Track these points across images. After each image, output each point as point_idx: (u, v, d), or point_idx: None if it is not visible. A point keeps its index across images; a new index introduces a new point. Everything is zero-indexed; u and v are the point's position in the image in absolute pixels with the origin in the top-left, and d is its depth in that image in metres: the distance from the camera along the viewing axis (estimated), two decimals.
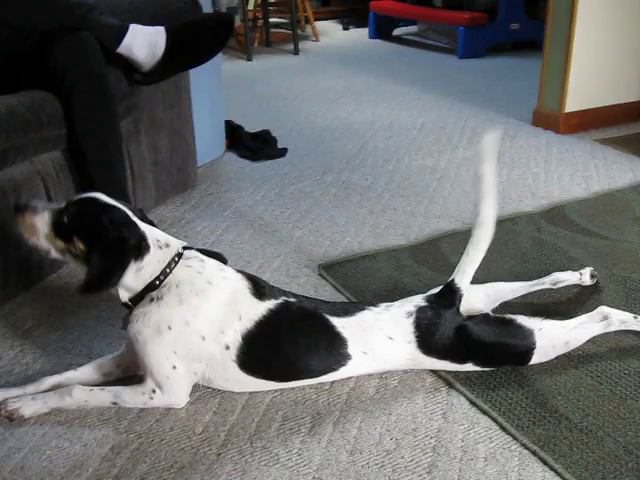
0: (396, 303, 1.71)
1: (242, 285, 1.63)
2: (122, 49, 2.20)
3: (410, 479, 1.39)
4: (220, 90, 3.21)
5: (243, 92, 4.55)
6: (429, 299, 1.69)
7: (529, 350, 1.66)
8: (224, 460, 1.46)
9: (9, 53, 2.15)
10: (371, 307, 1.68)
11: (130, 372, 1.68)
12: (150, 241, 1.55)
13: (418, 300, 1.70)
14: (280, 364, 1.63)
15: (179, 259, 1.58)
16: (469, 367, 1.68)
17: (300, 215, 2.63)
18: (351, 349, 1.62)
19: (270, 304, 1.62)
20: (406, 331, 1.63)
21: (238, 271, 1.67)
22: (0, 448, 1.50)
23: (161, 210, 2.67)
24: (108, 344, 1.83)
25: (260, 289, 1.64)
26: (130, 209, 1.58)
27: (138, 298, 1.57)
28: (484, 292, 1.83)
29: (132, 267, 1.52)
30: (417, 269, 2.17)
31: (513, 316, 1.69)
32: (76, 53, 2.04)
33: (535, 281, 1.99)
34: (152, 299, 1.55)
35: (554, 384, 1.64)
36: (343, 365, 1.63)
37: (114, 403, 1.59)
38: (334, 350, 1.62)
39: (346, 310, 1.67)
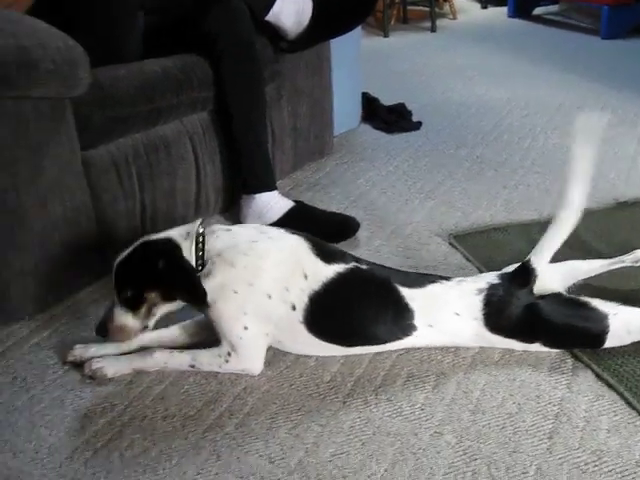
0: (469, 279, 1.71)
1: (300, 244, 1.65)
2: (271, 17, 2.29)
3: (531, 442, 1.42)
4: (358, 63, 3.26)
5: (379, 67, 4.58)
6: (503, 277, 1.68)
7: (602, 334, 1.61)
8: (349, 409, 1.53)
9: (163, 20, 2.28)
10: (443, 281, 1.68)
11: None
12: (177, 239, 1.59)
13: (492, 277, 1.69)
14: (346, 328, 1.66)
15: (203, 238, 1.60)
16: (537, 347, 1.66)
17: (433, 186, 2.67)
18: (417, 321, 1.63)
19: (339, 267, 1.64)
20: (474, 308, 1.63)
21: (294, 232, 1.69)
22: (143, 380, 1.63)
23: (297, 175, 2.77)
24: None
25: (327, 252, 1.66)
26: (146, 237, 1.61)
27: None
28: (559, 271, 1.77)
29: None
30: None
31: (588, 298, 1.64)
32: (228, 20, 2.14)
33: (615, 259, 1.92)
34: (204, 279, 1.57)
35: None
36: (408, 335, 1.65)
37: (192, 366, 1.63)
38: (401, 320, 1.64)
39: (417, 281, 1.67)
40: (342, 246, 2.14)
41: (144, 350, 1.67)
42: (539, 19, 6.35)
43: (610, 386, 1.56)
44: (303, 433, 1.46)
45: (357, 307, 1.65)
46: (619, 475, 1.33)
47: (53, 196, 1.80)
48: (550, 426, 1.46)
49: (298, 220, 2.24)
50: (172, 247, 1.58)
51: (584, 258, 1.97)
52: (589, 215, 2.31)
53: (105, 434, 1.48)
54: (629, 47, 5.11)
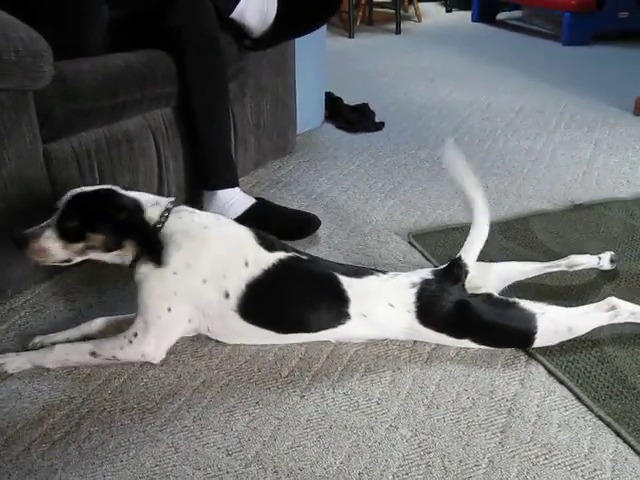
0: (404, 273, 1.74)
1: (246, 234, 1.70)
2: (235, 14, 2.31)
3: (484, 436, 1.45)
4: (322, 62, 3.29)
5: (343, 67, 4.62)
6: (436, 273, 1.72)
7: (530, 333, 1.65)
8: (307, 402, 1.55)
9: (128, 15, 2.28)
10: (380, 274, 1.72)
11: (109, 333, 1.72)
12: (143, 203, 1.63)
13: (425, 273, 1.72)
14: (282, 314, 1.69)
15: (169, 213, 1.64)
16: (466, 343, 1.69)
17: (393, 186, 2.70)
18: (352, 309, 1.66)
19: (281, 255, 1.68)
20: (407, 300, 1.66)
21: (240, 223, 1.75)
22: (102, 372, 1.63)
23: (260, 172, 2.79)
24: None
25: (269, 241, 1.71)
26: (112, 186, 1.66)
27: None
28: (494, 271, 1.83)
29: None
30: (505, 244, 2.21)
31: (517, 299, 1.68)
32: (192, 14, 2.15)
33: (550, 263, 1.95)
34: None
35: (635, 363, 1.65)
36: (342, 324, 1.67)
37: (92, 353, 1.62)
38: (336, 307, 1.66)
39: (356, 272, 1.71)
40: (302, 243, 2.19)
41: (46, 347, 1.67)
42: (502, 24, 6.46)
43: (561, 382, 1.60)
44: (261, 426, 1.48)
45: (295, 293, 1.68)
46: (568, 468, 1.37)
47: (13, 188, 1.79)
48: (503, 420, 1.49)
49: (259, 217, 2.25)
50: (137, 207, 1.62)
51: (540, 257, 2.03)
52: (545, 216, 2.40)
53: (63, 427, 1.48)
54: (590, 54, 5.22)
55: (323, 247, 2.21)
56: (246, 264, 1.63)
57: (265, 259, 1.66)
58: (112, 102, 2.04)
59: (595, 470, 1.37)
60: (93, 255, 1.64)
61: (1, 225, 1.79)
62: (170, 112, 2.28)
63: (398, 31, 6.04)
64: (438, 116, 3.61)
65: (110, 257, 1.65)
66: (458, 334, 1.68)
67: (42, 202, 1.87)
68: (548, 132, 3.36)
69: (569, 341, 1.70)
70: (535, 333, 1.65)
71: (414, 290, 1.67)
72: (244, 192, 2.34)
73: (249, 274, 1.63)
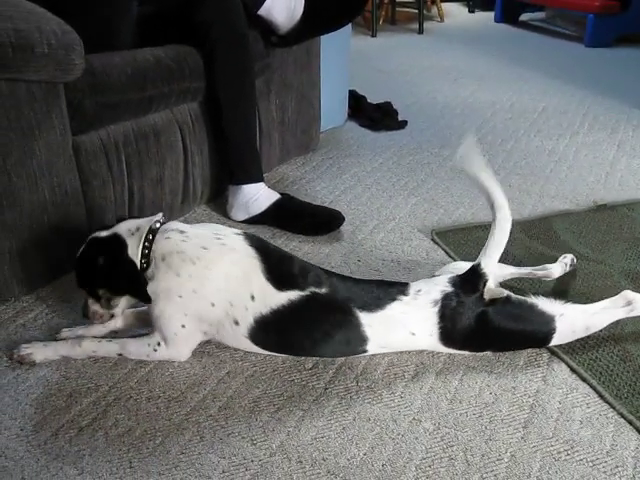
0: (424, 287, 1.66)
1: (252, 261, 1.61)
2: (262, 11, 2.32)
3: (506, 431, 1.46)
4: (346, 60, 3.29)
5: (366, 66, 4.63)
6: (454, 283, 1.66)
7: (549, 334, 1.66)
8: (330, 395, 1.56)
9: (157, 10, 2.31)
10: (402, 296, 1.64)
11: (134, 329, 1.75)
12: (124, 235, 1.59)
13: (445, 284, 1.66)
14: (295, 347, 1.66)
15: (154, 235, 1.60)
16: (487, 353, 1.69)
17: (416, 184, 2.71)
18: (370, 345, 1.64)
19: (293, 295, 1.59)
20: (430, 323, 1.62)
21: (246, 237, 1.66)
22: (128, 361, 1.66)
23: (283, 169, 2.81)
24: None
25: (281, 275, 1.61)
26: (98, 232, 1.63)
27: None
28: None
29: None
30: (528, 243, 2.21)
31: (535, 300, 1.65)
32: (222, 10, 2.17)
33: (527, 270, 1.95)
34: (148, 280, 1.59)
35: None
36: (356, 354, 1.66)
37: (119, 354, 1.65)
38: (352, 344, 1.64)
39: (378, 299, 1.62)
40: (326, 239, 2.20)
41: (73, 339, 1.69)
42: (525, 25, 6.44)
43: (584, 379, 1.61)
44: (285, 417, 1.49)
45: (306, 334, 1.63)
46: (590, 464, 1.38)
47: (43, 179, 1.82)
48: (525, 416, 1.50)
49: (284, 212, 2.27)
50: (115, 245, 1.59)
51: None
52: (568, 216, 2.40)
53: (90, 413, 1.50)
54: (613, 56, 5.20)
55: (347, 243, 2.23)
56: (252, 298, 1.59)
57: (274, 298, 1.59)
58: (140, 96, 2.06)
59: (617, 467, 1.37)
60: (121, 302, 1.65)
61: (31, 215, 1.82)
62: (197, 107, 2.30)
63: (421, 31, 6.04)
64: (461, 116, 3.62)
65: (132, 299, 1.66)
66: (479, 348, 1.68)
67: (71, 194, 1.90)
68: (571, 133, 3.35)
69: (591, 339, 1.71)
70: (553, 334, 1.66)
71: (435, 310, 1.62)
72: (268, 187, 2.36)
73: (255, 309, 1.59)
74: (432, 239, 2.25)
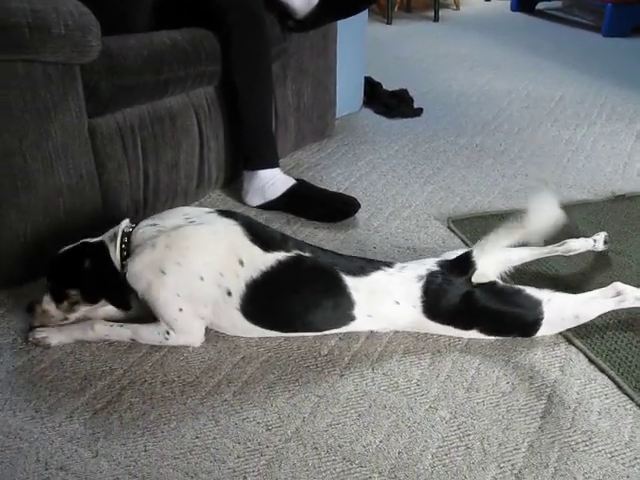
0: (410, 264, 1.70)
1: (232, 228, 1.62)
2: None
3: (523, 421, 1.44)
4: (362, 47, 3.27)
5: (382, 53, 4.60)
6: (442, 264, 1.67)
7: (537, 321, 1.64)
8: (346, 381, 1.55)
9: None
10: (386, 267, 1.67)
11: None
12: (107, 242, 1.61)
13: (431, 264, 1.68)
14: (285, 318, 1.65)
15: (129, 237, 1.61)
16: (473, 334, 1.67)
17: (432, 172, 2.69)
18: (357, 311, 1.63)
19: (280, 255, 1.61)
20: (413, 295, 1.63)
21: (227, 216, 1.66)
22: (143, 345, 1.65)
23: (299, 155, 2.80)
24: None
25: (265, 238, 1.63)
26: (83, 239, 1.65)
27: None
28: (493, 260, 1.75)
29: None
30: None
31: (522, 286, 1.66)
32: None
33: (548, 248, 1.91)
34: (128, 268, 1.58)
35: None
36: (347, 325, 1.65)
37: (132, 339, 1.65)
38: (341, 310, 1.63)
39: (362, 268, 1.65)
40: (341, 226, 2.19)
41: (86, 322, 1.67)
42: (541, 14, 6.38)
43: (602, 370, 1.59)
44: (300, 403, 1.48)
45: (298, 296, 1.62)
46: (609, 455, 1.36)
47: (59, 162, 1.81)
48: (542, 406, 1.49)
49: (299, 198, 2.26)
50: (99, 250, 1.61)
51: None
52: (586, 206, 2.38)
53: (104, 396, 1.50)
54: (630, 46, 5.14)
55: (362, 230, 2.21)
56: (241, 263, 1.58)
57: (262, 260, 1.59)
58: (156, 79, 2.05)
59: (636, 458, 1.36)
60: (83, 309, 1.66)
61: (46, 198, 1.81)
62: (213, 91, 2.29)
63: (436, 18, 5.99)
64: (477, 104, 3.58)
65: (99, 306, 1.67)
66: (465, 325, 1.66)
67: (86, 177, 1.89)
68: (588, 123, 3.32)
69: (610, 329, 1.70)
70: (541, 320, 1.64)
71: (420, 284, 1.63)
72: (284, 173, 2.34)
73: (246, 274, 1.58)
74: (448, 227, 2.23)
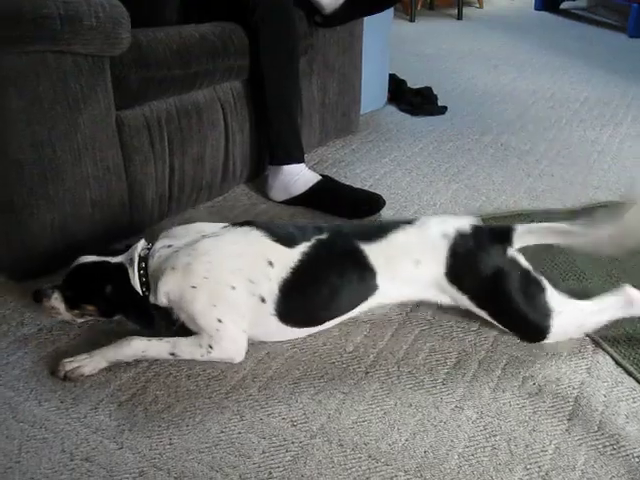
0: (435, 219, 1.65)
1: (252, 233, 1.60)
2: None
3: (550, 423, 1.43)
4: (387, 44, 3.27)
5: (405, 51, 4.59)
6: (477, 229, 1.61)
7: (542, 332, 1.60)
8: (371, 379, 1.54)
9: None
10: (406, 226, 1.63)
11: None
12: (126, 264, 1.58)
13: (463, 224, 1.61)
14: (316, 307, 1.61)
15: (146, 263, 1.58)
16: (482, 314, 1.63)
17: (457, 170, 2.68)
18: (379, 279, 1.59)
19: (303, 248, 1.58)
20: (437, 254, 1.58)
21: (233, 224, 1.65)
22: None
23: (323, 150, 2.79)
24: None
25: (284, 235, 1.60)
26: (102, 253, 1.63)
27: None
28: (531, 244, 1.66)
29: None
30: None
31: (546, 285, 1.58)
32: None
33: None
34: (155, 295, 1.56)
35: None
36: (372, 295, 1.61)
37: (172, 354, 1.56)
38: (364, 282, 1.59)
39: (379, 232, 1.62)
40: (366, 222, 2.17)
41: (118, 341, 1.57)
42: (566, 13, 6.33)
43: (629, 374, 1.58)
44: (326, 399, 1.48)
45: (324, 283, 1.58)
46: (637, 459, 1.35)
47: (86, 153, 1.81)
48: (570, 408, 1.47)
49: (324, 194, 2.25)
50: (119, 274, 1.57)
51: None
52: (612, 208, 2.34)
53: (129, 388, 1.50)
54: None
55: None
56: (271, 264, 1.55)
57: (288, 256, 1.57)
58: (184, 72, 2.05)
59: None
60: (87, 318, 1.66)
61: (74, 189, 1.81)
62: (240, 85, 2.28)
63: (460, 16, 5.96)
64: (501, 103, 3.56)
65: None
66: (481, 303, 1.62)
67: (113, 169, 1.90)
68: (614, 124, 3.29)
69: (638, 332, 1.67)
70: (547, 334, 1.60)
71: (445, 242, 1.58)
72: (309, 169, 2.34)
73: (277, 275, 1.55)
74: None
